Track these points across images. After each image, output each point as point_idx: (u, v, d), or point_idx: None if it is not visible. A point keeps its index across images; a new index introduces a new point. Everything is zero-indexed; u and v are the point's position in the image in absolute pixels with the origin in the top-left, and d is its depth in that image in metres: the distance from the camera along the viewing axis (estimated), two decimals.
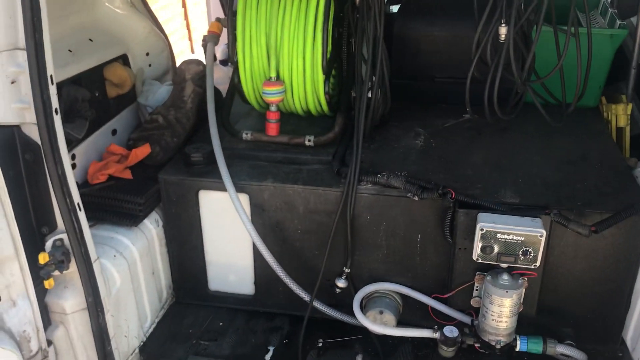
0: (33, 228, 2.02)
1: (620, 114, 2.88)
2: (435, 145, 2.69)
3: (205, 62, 2.76)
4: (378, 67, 2.43)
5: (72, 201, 1.99)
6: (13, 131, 1.91)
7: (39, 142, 1.95)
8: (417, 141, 2.73)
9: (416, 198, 2.27)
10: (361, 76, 2.52)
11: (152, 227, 2.51)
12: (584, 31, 2.62)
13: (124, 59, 2.82)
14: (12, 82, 1.86)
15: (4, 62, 1.82)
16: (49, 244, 2.06)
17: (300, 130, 2.71)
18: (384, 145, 2.68)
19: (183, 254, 2.64)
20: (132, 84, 2.80)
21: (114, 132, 2.76)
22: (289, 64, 2.52)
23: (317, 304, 2.46)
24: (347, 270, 2.46)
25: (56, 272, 2.05)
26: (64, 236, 2.07)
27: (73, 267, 2.11)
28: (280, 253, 2.49)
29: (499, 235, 2.12)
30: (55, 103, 1.88)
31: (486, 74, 2.50)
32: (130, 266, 2.36)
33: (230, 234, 2.57)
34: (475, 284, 2.30)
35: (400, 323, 2.41)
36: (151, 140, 2.60)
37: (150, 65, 3.00)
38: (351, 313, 2.40)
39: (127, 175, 2.51)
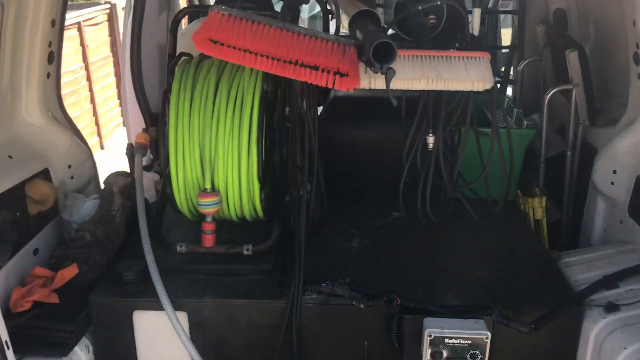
0: None
1: (536, 207, 3.07)
2: (371, 247, 2.72)
3: (133, 174, 2.69)
4: (315, 176, 2.47)
5: None
6: None
7: None
8: (353, 243, 2.76)
9: (362, 306, 2.26)
10: (297, 183, 2.54)
11: (82, 354, 2.32)
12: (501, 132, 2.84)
13: (45, 174, 2.69)
14: None
15: None
16: None
17: (235, 238, 2.65)
18: (322, 249, 2.68)
19: None
20: (54, 200, 2.67)
21: (35, 251, 2.58)
22: (225, 175, 2.50)
23: None
24: None
25: None
26: None
27: None
28: None
29: (446, 340, 2.14)
30: None
31: (415, 178, 2.61)
32: None
33: (167, 357, 2.43)
34: None
35: None
36: (78, 259, 2.45)
37: (72, 177, 2.88)
38: None
39: (54, 299, 2.34)
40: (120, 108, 9.88)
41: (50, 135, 2.78)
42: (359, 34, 1.90)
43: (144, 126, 4.33)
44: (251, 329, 2.35)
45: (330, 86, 1.85)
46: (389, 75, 1.80)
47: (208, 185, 2.50)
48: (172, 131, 2.50)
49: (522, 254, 2.66)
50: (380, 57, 1.76)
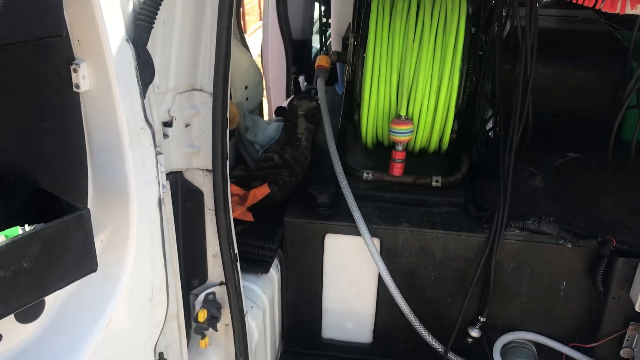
0: (184, 281, 1.86)
1: None
2: (557, 187, 2.61)
3: (318, 97, 2.64)
4: (526, 108, 2.35)
5: (234, 252, 1.84)
6: (177, 177, 1.76)
7: (202, 189, 1.81)
8: (536, 181, 2.64)
9: (569, 245, 2.18)
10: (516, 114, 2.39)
11: (274, 273, 2.36)
12: None
13: None
14: (187, 126, 1.72)
15: (183, 104, 1.68)
16: (200, 299, 1.91)
17: (415, 169, 2.59)
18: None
19: (299, 300, 2.49)
20: (238, 120, 2.66)
21: None
22: (421, 102, 2.41)
23: (452, 356, 2.33)
24: (482, 320, 2.35)
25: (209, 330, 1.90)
26: (217, 289, 1.92)
27: (222, 323, 1.96)
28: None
29: None
30: (228, 148, 1.74)
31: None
32: (264, 317, 2.21)
33: (352, 280, 2.43)
34: (627, 334, 2.21)
35: None
36: (268, 179, 2.45)
37: (247, 99, 2.86)
38: None
39: (250, 217, 2.36)
40: None
41: (234, 55, 2.74)
42: None
43: (283, 53, 4.28)
44: (444, 261, 2.31)
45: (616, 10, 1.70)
46: None
47: (403, 113, 2.42)
48: (370, 54, 2.41)
49: None
50: None
